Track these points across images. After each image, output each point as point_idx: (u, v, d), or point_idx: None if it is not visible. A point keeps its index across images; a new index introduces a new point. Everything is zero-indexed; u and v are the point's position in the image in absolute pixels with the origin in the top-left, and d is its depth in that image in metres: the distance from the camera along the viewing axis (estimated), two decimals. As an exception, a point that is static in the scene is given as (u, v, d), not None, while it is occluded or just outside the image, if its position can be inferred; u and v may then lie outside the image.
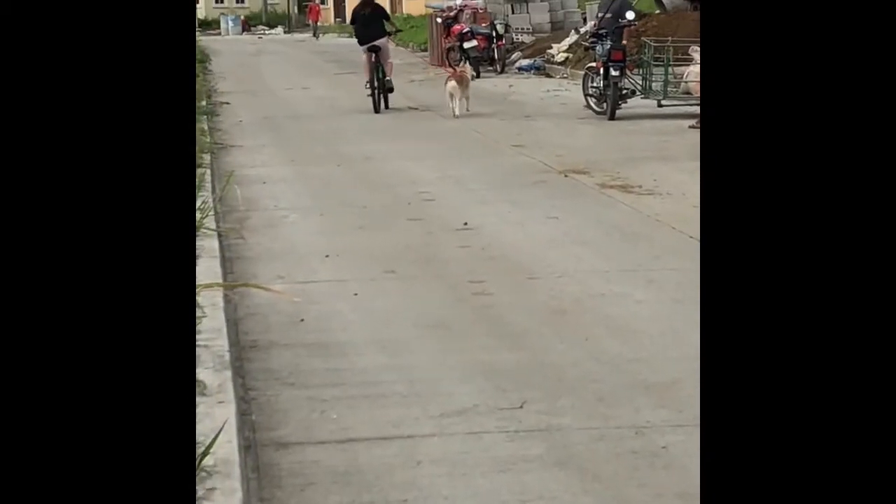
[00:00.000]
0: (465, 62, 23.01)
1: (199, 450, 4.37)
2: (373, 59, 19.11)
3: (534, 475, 4.75)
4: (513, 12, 30.89)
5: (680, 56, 18.42)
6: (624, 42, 17.62)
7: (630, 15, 19.42)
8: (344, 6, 61.29)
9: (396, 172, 12.78)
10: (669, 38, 18.79)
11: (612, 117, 17.08)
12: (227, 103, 20.96)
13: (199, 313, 6.33)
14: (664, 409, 5.43)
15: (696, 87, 17.36)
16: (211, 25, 60.20)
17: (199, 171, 11.42)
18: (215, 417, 4.80)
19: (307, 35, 53.47)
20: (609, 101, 17.20)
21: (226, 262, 8.37)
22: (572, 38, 26.56)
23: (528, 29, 30.53)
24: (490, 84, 23.92)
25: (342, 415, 5.42)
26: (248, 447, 5.00)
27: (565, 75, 24.66)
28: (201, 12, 63.38)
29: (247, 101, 21.59)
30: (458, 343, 6.51)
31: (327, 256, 8.69)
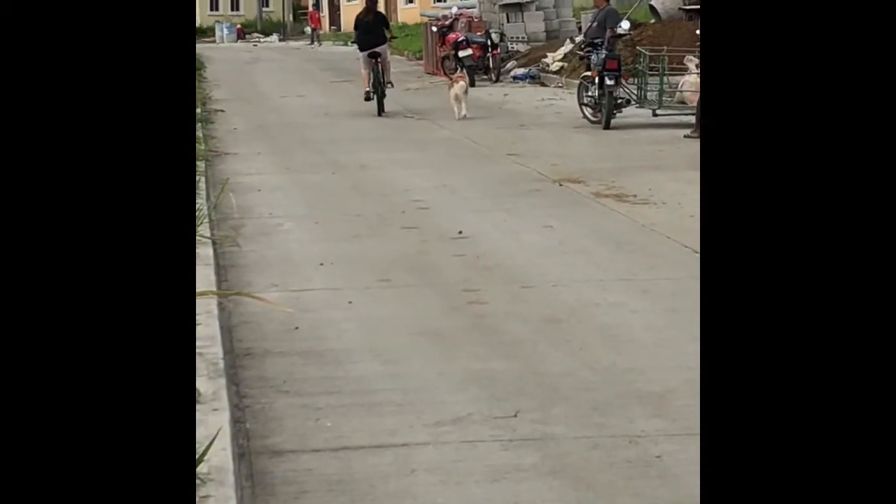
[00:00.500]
0: (461, 69, 23.20)
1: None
2: (373, 63, 19.72)
3: (528, 484, 4.75)
4: (508, 21, 30.90)
5: (675, 65, 18.44)
6: (615, 50, 17.66)
7: (625, 24, 19.46)
8: (339, 14, 61.32)
9: (391, 181, 12.78)
10: (664, 48, 18.81)
11: (607, 126, 17.08)
12: (222, 111, 20.95)
13: (193, 321, 6.33)
14: (658, 418, 5.43)
15: (691, 97, 17.39)
16: (206, 33, 60.14)
17: (193, 178, 11.41)
18: (209, 425, 4.80)
19: (302, 43, 53.45)
20: (604, 111, 17.21)
21: (220, 269, 8.37)
22: (567, 47, 26.56)
23: (523, 38, 30.54)
24: (485, 93, 23.93)
25: (336, 423, 5.42)
26: (243, 455, 5.00)
27: (560, 84, 24.67)
28: (196, 20, 63.37)
29: (242, 109, 21.59)
30: (453, 352, 6.51)
31: (322, 264, 8.69)
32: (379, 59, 19.80)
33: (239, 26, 62.61)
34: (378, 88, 19.80)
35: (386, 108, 19.91)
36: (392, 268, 8.53)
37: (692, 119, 16.29)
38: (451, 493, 4.68)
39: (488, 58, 27.00)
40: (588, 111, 17.90)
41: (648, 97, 18.02)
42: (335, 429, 5.35)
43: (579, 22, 30.05)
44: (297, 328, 6.93)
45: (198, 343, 5.91)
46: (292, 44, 53.61)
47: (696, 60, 17.61)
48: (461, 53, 25.95)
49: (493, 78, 26.83)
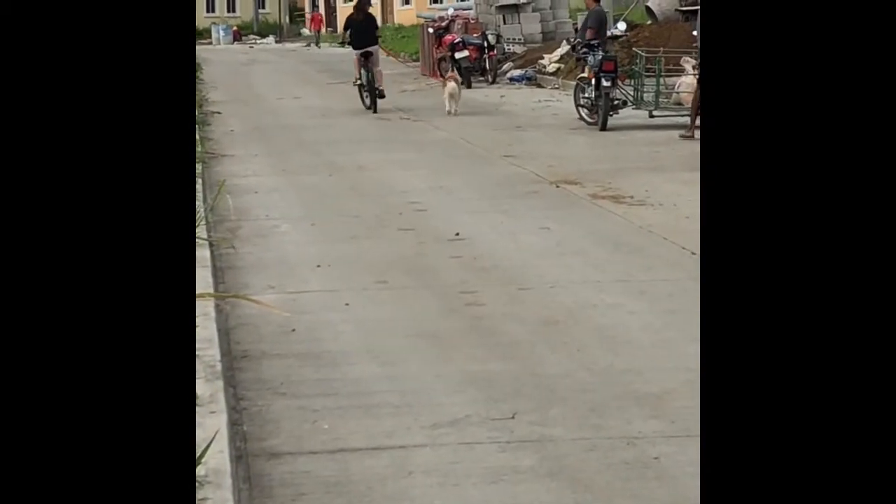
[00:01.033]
0: (454, 68, 23.53)
1: (191, 460, 4.36)
2: (363, 63, 20.53)
3: (525, 486, 4.75)
4: (504, 23, 30.89)
5: (671, 67, 18.45)
6: (609, 51, 17.77)
7: (622, 26, 19.48)
8: (335, 17, 61.29)
9: (388, 182, 12.78)
10: (661, 49, 18.81)
11: (604, 128, 17.08)
12: (219, 113, 20.94)
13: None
14: (656, 419, 5.43)
15: (687, 98, 17.39)
16: (202, 35, 60.11)
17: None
18: (207, 427, 4.79)
19: (299, 45, 53.44)
20: (600, 112, 17.21)
21: (217, 271, 8.37)
22: (564, 48, 26.56)
23: (519, 39, 30.54)
24: (481, 94, 23.93)
25: (334, 425, 5.42)
26: (240, 457, 5.00)
27: (557, 86, 24.67)
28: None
29: (238, 111, 21.58)
30: (450, 353, 6.51)
31: (319, 266, 8.68)
32: (371, 58, 20.53)
33: (235, 28, 62.61)
34: (371, 86, 20.51)
35: (381, 109, 20.18)
36: (389, 269, 8.53)
37: (688, 120, 16.29)
38: (448, 494, 4.68)
39: (485, 59, 26.99)
40: (584, 112, 17.90)
41: (645, 98, 18.02)
42: (332, 431, 5.35)
43: (576, 23, 30.04)
44: (294, 330, 6.93)
45: (195, 345, 5.91)
46: (289, 45, 53.61)
47: (693, 62, 17.63)
48: (458, 55, 25.95)
49: (490, 79, 26.82)
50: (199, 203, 10.28)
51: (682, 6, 25.14)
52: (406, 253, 9.14)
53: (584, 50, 18.08)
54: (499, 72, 27.43)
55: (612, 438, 5.22)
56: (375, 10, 52.05)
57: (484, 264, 8.68)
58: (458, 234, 9.69)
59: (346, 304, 7.55)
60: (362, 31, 20.87)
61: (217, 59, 40.28)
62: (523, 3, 30.93)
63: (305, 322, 7.11)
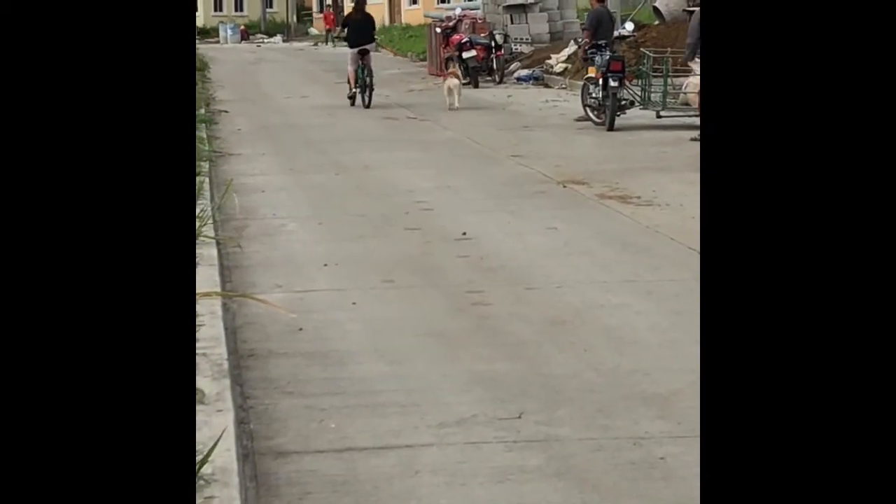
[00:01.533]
0: (456, 65, 24.27)
1: (198, 458, 4.37)
2: (360, 61, 21.37)
3: (532, 485, 4.75)
4: (512, 22, 30.88)
5: (679, 67, 18.44)
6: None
7: (629, 26, 19.46)
8: (342, 15, 61.25)
9: (395, 181, 12.78)
10: (668, 49, 18.80)
11: (611, 128, 17.08)
12: (226, 111, 20.96)
13: (197, 322, 6.33)
14: (663, 420, 5.43)
15: (694, 98, 17.37)
16: (210, 34, 60.18)
17: (197, 179, 11.43)
18: (214, 426, 4.80)
19: (306, 44, 53.45)
20: (608, 112, 17.21)
21: (224, 270, 8.37)
22: (571, 48, 26.54)
23: (526, 39, 30.53)
24: (489, 94, 23.93)
25: (341, 424, 5.42)
26: (247, 456, 5.00)
27: (564, 86, 24.66)
28: (200, 20, 63.37)
29: (245, 110, 21.60)
30: (457, 353, 6.51)
31: (326, 265, 8.69)
32: (366, 56, 21.33)
33: (243, 27, 62.63)
34: (365, 83, 21.30)
35: (389, 108, 20.17)
36: (396, 269, 8.53)
37: (696, 121, 16.27)
38: (455, 494, 4.68)
39: (492, 59, 26.99)
40: (592, 112, 17.89)
41: (652, 99, 18.02)
42: (339, 430, 5.35)
43: (583, 23, 30.04)
44: (301, 329, 6.93)
45: (202, 344, 5.93)
46: (296, 44, 53.62)
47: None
48: (465, 55, 25.97)
49: (497, 79, 26.82)
50: (206, 202, 10.30)
51: (689, 6, 25.11)
52: (413, 252, 9.14)
53: (592, 50, 18.07)
54: (506, 71, 27.42)
55: (618, 439, 5.22)
56: (383, 9, 52.22)
57: (491, 264, 8.68)
58: (464, 234, 9.69)
59: (353, 304, 7.55)
60: (360, 30, 21.63)
61: (224, 57, 40.30)
62: (531, 3, 30.93)
63: (312, 321, 7.11)
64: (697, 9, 19.24)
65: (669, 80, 17.99)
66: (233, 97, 24.18)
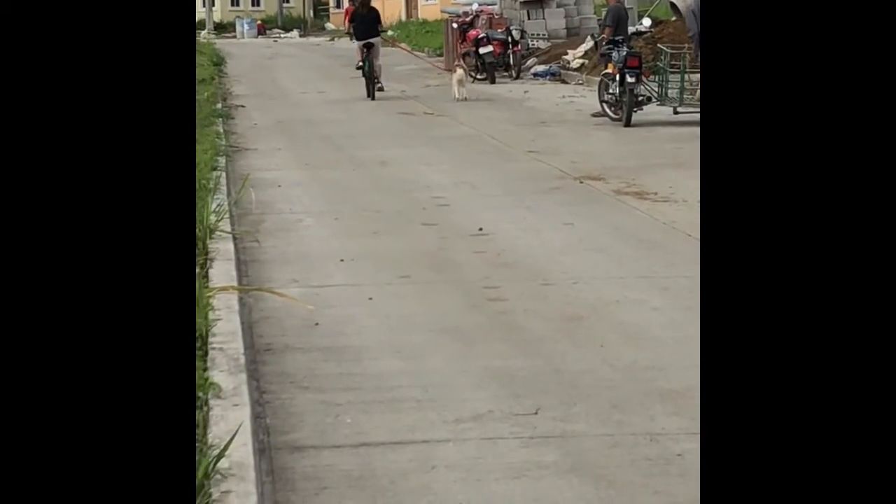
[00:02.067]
0: (460, 58, 24.78)
1: (214, 452, 4.38)
2: (365, 53, 22.19)
3: (548, 481, 4.75)
4: (529, 18, 30.83)
5: (696, 63, 18.37)
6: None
7: (646, 22, 19.41)
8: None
9: (411, 177, 12.78)
10: (686, 45, 18.76)
11: (628, 124, 17.06)
12: (243, 106, 20.98)
13: (214, 316, 6.35)
14: (679, 416, 5.42)
15: (711, 95, 17.32)
16: (226, 28, 60.21)
17: (214, 174, 11.47)
18: (230, 420, 4.82)
19: (323, 39, 53.45)
20: (625, 108, 17.19)
21: (241, 265, 8.38)
22: (588, 44, 26.48)
23: (543, 35, 30.48)
24: (505, 90, 23.91)
25: (357, 419, 5.43)
26: (263, 450, 5.01)
27: (581, 81, 24.62)
28: (217, 15, 63.48)
29: (262, 105, 21.62)
30: (473, 348, 6.51)
31: (342, 260, 8.69)
32: (372, 49, 22.14)
33: (259, 22, 62.62)
34: (370, 76, 22.08)
35: (405, 103, 20.36)
36: (412, 264, 8.53)
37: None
38: (471, 490, 4.68)
39: (509, 55, 26.94)
40: (609, 108, 17.87)
41: (669, 94, 17.97)
42: (355, 425, 5.36)
43: (600, 19, 30.01)
44: (317, 324, 6.94)
45: (219, 338, 5.95)
46: (313, 39, 53.60)
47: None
48: (482, 50, 25.94)
49: (514, 75, 26.77)
50: (223, 196, 10.32)
51: (705, 2, 25.07)
52: (429, 248, 9.14)
53: (609, 46, 18.05)
54: (523, 67, 27.37)
55: (635, 435, 5.21)
56: (399, 4, 52.21)
57: (507, 260, 8.68)
58: (481, 230, 9.69)
59: (370, 299, 7.56)
60: (365, 24, 22.67)
61: (241, 53, 40.32)
62: (548, -1, 30.88)
63: (329, 316, 7.12)
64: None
65: (686, 76, 17.94)
66: (249, 92, 24.21)
